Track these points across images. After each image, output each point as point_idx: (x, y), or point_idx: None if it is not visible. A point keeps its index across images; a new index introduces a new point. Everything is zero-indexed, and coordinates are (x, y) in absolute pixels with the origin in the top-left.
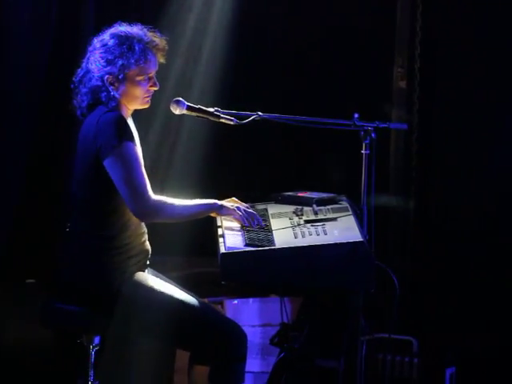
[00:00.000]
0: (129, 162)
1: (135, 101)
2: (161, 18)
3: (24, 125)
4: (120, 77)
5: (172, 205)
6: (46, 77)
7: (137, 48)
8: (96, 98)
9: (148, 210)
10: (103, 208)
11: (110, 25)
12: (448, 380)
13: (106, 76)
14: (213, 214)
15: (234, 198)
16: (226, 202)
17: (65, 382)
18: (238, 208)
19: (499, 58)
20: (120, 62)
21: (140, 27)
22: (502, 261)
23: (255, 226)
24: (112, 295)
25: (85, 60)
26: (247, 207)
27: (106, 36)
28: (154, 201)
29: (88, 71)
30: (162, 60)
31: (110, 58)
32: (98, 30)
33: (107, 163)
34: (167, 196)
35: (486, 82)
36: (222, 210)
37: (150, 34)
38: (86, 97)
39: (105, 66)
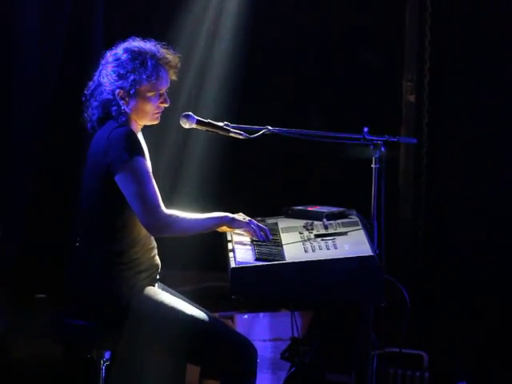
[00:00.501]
0: (140, 176)
1: (145, 116)
2: (169, 30)
3: (34, 137)
4: (131, 92)
5: (184, 219)
6: (56, 85)
7: (149, 64)
8: (106, 111)
9: (160, 225)
10: (113, 223)
11: (121, 38)
12: None
13: (117, 90)
14: (224, 228)
15: (241, 214)
16: (236, 216)
17: None
18: (249, 221)
19: (509, 72)
20: (132, 77)
21: (153, 43)
22: None
23: (267, 240)
24: (122, 310)
25: (97, 73)
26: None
27: (119, 50)
28: (166, 215)
29: (100, 84)
30: (173, 77)
31: (122, 72)
32: (107, 42)
33: (118, 178)
34: (178, 209)
35: (495, 95)
36: (233, 223)
37: (163, 51)
38: (97, 110)
39: (116, 81)
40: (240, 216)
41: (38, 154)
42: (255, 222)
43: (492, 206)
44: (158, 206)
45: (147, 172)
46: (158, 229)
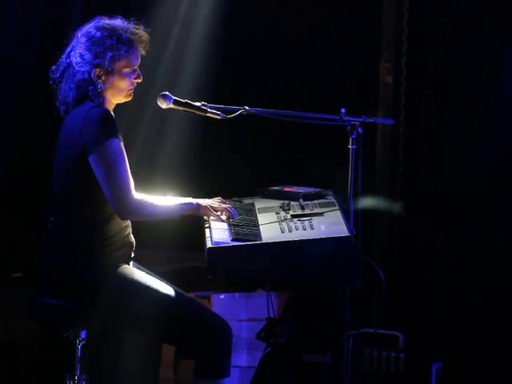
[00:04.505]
0: (114, 159)
1: (120, 94)
2: (146, 10)
3: (8, 122)
4: (109, 69)
5: (151, 205)
6: (30, 76)
7: (125, 39)
8: (82, 92)
9: (128, 210)
10: (85, 202)
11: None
12: (434, 375)
13: (94, 70)
14: (190, 213)
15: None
16: (202, 201)
17: (51, 376)
18: (212, 206)
19: (486, 53)
20: (110, 54)
21: (121, 20)
22: (489, 254)
23: (228, 221)
24: (96, 289)
25: (64, 55)
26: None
27: (91, 29)
28: (135, 200)
29: (69, 66)
30: (143, 52)
31: (98, 50)
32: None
33: (92, 159)
34: (154, 192)
35: (472, 76)
36: (199, 210)
37: (132, 26)
38: (72, 92)
39: (93, 59)
40: (215, 201)
41: (12, 132)
42: (218, 205)
43: (469, 186)
44: (129, 191)
45: (121, 155)
46: (125, 213)
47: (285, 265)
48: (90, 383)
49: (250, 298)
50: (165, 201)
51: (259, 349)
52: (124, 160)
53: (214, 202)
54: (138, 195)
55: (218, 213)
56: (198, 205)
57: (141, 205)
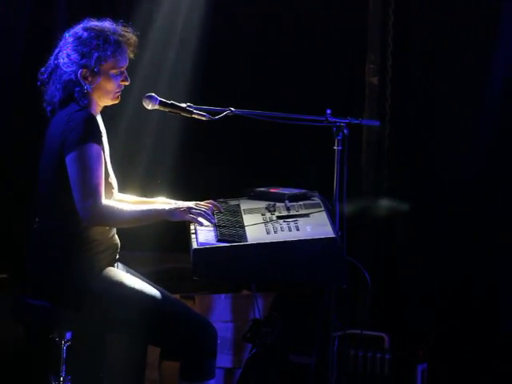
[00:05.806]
0: (87, 162)
1: (107, 96)
2: (132, 12)
3: None
4: (95, 69)
5: (120, 211)
6: (17, 76)
7: (112, 40)
8: (69, 93)
9: (93, 215)
10: (69, 205)
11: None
12: (420, 376)
13: (80, 70)
14: (164, 219)
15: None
16: (182, 204)
17: (37, 377)
18: (189, 209)
19: (473, 53)
20: (96, 55)
21: (111, 22)
22: (474, 255)
23: (204, 225)
24: (81, 291)
25: (52, 56)
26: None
27: (79, 30)
28: (102, 206)
29: (57, 67)
30: (131, 55)
31: (85, 50)
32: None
33: (68, 159)
34: (139, 193)
35: (458, 77)
36: (173, 216)
37: (121, 28)
38: (58, 92)
39: (79, 60)
40: (201, 204)
41: None
42: (195, 208)
43: (455, 187)
44: (97, 195)
45: (97, 160)
46: (91, 219)
47: (270, 266)
48: None
49: (236, 299)
50: (135, 208)
51: (245, 350)
52: (100, 165)
53: (197, 204)
54: (106, 201)
55: (200, 218)
56: (171, 211)
57: (107, 211)
